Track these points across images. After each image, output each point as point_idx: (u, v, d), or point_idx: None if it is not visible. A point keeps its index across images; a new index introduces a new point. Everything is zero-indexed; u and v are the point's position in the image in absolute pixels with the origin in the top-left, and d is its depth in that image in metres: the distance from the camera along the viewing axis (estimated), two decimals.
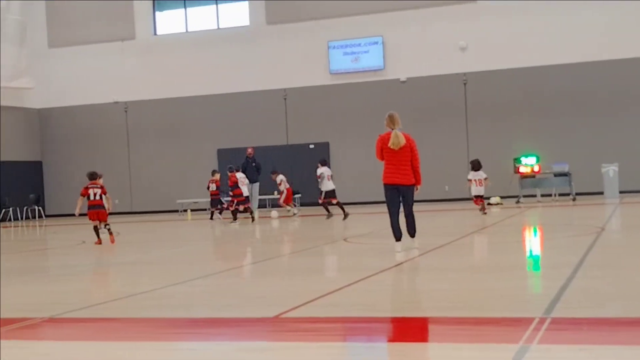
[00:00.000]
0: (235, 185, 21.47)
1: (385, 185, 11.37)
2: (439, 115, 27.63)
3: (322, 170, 20.87)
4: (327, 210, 20.91)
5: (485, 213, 19.45)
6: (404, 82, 28.08)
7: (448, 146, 27.43)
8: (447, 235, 13.62)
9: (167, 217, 27.40)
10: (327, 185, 20.74)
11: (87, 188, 15.65)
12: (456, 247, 12.26)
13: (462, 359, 5.12)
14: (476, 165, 19.87)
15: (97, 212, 15.56)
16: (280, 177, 23.10)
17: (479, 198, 19.77)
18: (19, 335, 6.57)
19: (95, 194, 15.58)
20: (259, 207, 24.95)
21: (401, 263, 10.46)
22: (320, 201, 20.96)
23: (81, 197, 15.66)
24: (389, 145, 11.12)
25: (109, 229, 15.56)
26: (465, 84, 27.65)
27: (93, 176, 15.86)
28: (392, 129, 11.19)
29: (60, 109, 31.98)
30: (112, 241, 15.50)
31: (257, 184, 23.68)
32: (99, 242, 15.44)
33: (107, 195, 15.94)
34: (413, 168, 11.29)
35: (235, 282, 9.59)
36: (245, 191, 21.53)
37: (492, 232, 15.30)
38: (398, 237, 11.42)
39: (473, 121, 27.67)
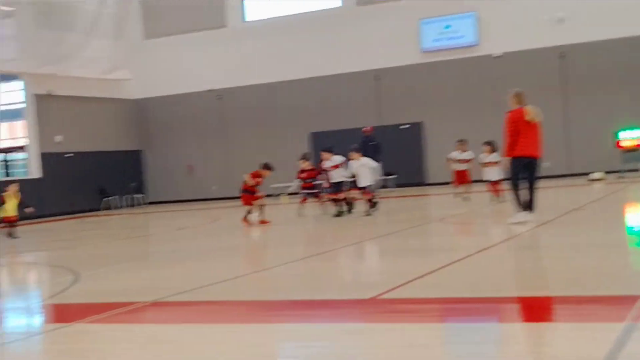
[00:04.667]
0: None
1: (519, 157, 11.62)
2: (536, 90, 26.81)
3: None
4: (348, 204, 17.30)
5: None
6: (498, 57, 27.43)
7: (545, 122, 26.61)
8: (548, 213, 13.26)
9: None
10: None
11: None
12: (558, 225, 11.94)
13: (565, 338, 4.98)
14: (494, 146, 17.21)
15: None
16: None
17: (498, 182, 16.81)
18: (125, 319, 6.78)
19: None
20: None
21: (500, 242, 10.28)
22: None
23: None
24: (530, 118, 11.63)
25: None
26: (562, 57, 26.84)
27: None
28: (523, 105, 11.72)
29: (157, 98, 32.72)
30: None
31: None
32: None
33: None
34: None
35: (331, 265, 9.61)
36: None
37: (594, 208, 14.86)
38: (525, 206, 11.65)
39: (571, 95, 26.81)
